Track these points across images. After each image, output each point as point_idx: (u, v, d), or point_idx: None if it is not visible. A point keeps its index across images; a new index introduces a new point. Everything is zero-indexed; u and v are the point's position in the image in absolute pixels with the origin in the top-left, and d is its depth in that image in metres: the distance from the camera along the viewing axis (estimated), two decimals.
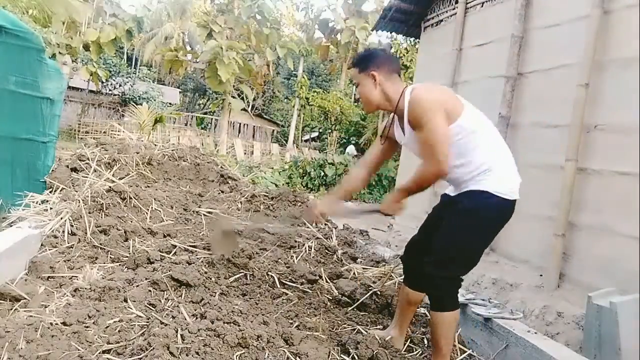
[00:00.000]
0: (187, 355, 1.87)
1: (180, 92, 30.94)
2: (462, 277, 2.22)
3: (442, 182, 2.29)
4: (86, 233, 3.19)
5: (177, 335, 1.97)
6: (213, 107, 25.21)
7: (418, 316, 2.89)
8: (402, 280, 2.54)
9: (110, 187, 3.76)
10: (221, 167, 5.23)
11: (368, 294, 2.83)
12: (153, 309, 2.31)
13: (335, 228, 4.61)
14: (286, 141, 26.50)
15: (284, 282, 2.91)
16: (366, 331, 2.42)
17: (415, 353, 2.42)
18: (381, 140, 2.42)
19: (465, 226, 2.12)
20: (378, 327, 2.58)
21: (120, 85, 24.07)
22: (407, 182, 2.21)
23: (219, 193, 4.62)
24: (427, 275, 2.18)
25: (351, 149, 19.29)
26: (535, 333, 2.53)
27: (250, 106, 27.91)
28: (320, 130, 26.30)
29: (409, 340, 2.51)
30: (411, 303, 2.42)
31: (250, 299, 2.65)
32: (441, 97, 2.09)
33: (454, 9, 5.87)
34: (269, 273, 2.95)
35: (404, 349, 2.40)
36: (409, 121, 2.11)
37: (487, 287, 4.09)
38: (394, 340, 2.37)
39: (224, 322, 2.10)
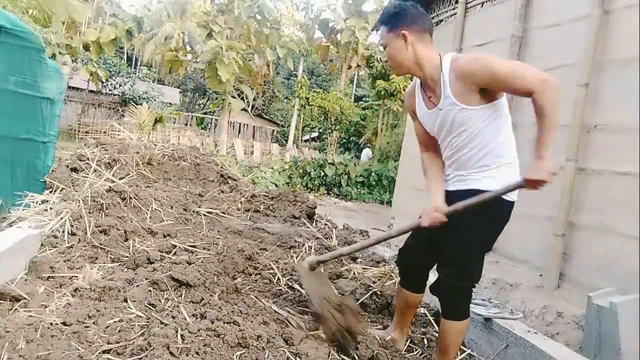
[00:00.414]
0: (187, 355, 1.87)
1: (180, 92, 30.95)
2: (477, 283, 2.19)
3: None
4: (86, 233, 3.19)
5: (177, 335, 1.97)
6: (213, 107, 25.21)
7: (418, 316, 2.89)
8: (398, 283, 2.51)
9: (110, 187, 3.76)
10: (221, 167, 5.23)
11: (368, 294, 2.84)
12: (153, 309, 2.31)
13: (336, 228, 4.62)
14: (286, 141, 26.50)
15: (284, 282, 2.91)
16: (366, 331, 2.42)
17: (415, 353, 2.42)
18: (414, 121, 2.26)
19: (479, 232, 2.06)
20: (378, 327, 2.59)
21: (120, 85, 24.08)
22: (540, 132, 1.89)
23: (219, 193, 4.62)
24: (447, 286, 2.11)
25: (367, 152, 19.22)
26: (535, 333, 2.53)
27: (250, 106, 27.91)
28: (320, 130, 26.31)
29: (409, 340, 2.51)
30: (411, 306, 2.40)
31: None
32: None
33: (454, 9, 5.86)
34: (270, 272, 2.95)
35: (404, 349, 2.40)
36: (471, 83, 1.91)
37: (487, 287, 4.08)
38: (394, 341, 2.37)
39: (224, 322, 2.10)
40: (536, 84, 1.84)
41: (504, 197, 2.02)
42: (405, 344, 2.45)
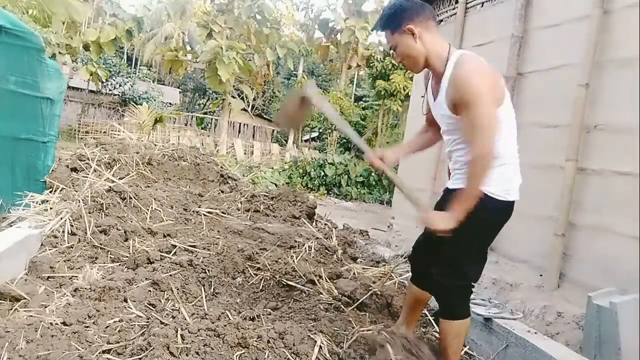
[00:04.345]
0: (187, 355, 1.87)
1: (180, 92, 30.94)
2: (475, 283, 2.15)
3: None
4: (86, 233, 3.19)
5: (177, 335, 1.97)
6: (213, 107, 25.22)
7: None
8: (409, 279, 2.51)
9: (110, 187, 3.76)
10: (221, 167, 5.23)
11: (368, 294, 2.83)
12: (153, 309, 2.31)
13: (336, 228, 4.62)
14: (286, 141, 26.49)
15: (284, 282, 2.92)
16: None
17: None
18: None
19: (469, 232, 2.02)
20: (378, 326, 2.58)
21: (120, 85, 24.08)
22: (463, 190, 1.96)
23: (219, 193, 4.62)
24: (440, 285, 2.10)
25: None
26: (535, 333, 2.53)
27: (250, 106, 27.92)
28: (320, 130, 26.30)
29: None
30: (419, 301, 2.38)
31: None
32: (492, 79, 1.92)
33: (454, 9, 5.86)
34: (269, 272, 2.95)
35: None
36: (452, 98, 1.93)
37: (487, 287, 4.08)
38: None
39: (224, 322, 2.10)
40: (477, 150, 1.87)
41: (495, 196, 1.99)
42: None
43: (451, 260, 2.07)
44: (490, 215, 2.05)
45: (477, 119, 1.85)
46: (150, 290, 2.51)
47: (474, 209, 1.98)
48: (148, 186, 4.24)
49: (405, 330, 2.38)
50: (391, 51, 2.10)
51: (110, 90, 24.17)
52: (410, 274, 3.12)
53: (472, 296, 2.99)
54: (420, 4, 2.03)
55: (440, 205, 2.26)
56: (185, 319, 2.14)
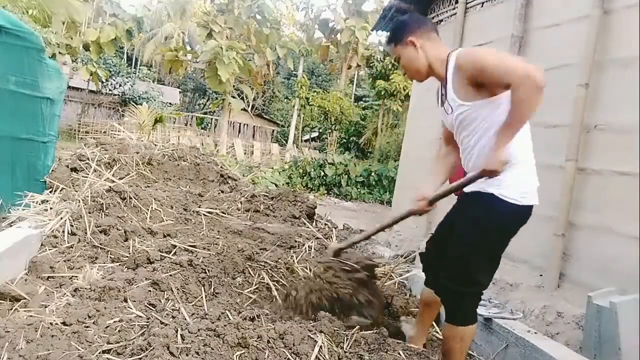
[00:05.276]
0: (187, 355, 1.87)
1: (180, 92, 30.95)
2: (483, 290, 2.07)
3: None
4: (86, 233, 3.19)
5: (177, 335, 1.97)
6: (213, 107, 25.23)
7: None
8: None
9: (110, 187, 3.76)
10: (221, 167, 5.23)
11: None
12: (153, 309, 2.31)
13: (336, 228, 4.62)
14: (286, 141, 26.51)
15: (284, 282, 2.92)
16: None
17: (414, 353, 2.42)
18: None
19: (478, 236, 1.97)
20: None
21: (120, 85, 24.09)
22: (503, 124, 1.82)
23: (219, 193, 4.62)
24: (445, 288, 2.06)
25: None
26: (535, 333, 2.53)
27: (250, 106, 27.94)
28: (320, 130, 26.31)
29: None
30: (428, 304, 2.35)
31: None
32: None
33: (454, 9, 5.86)
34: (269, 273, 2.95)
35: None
36: (463, 78, 1.90)
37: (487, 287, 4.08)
38: (412, 340, 2.36)
39: (224, 322, 2.10)
40: (515, 79, 1.72)
41: (514, 201, 1.92)
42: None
43: (456, 263, 2.01)
44: (505, 219, 1.98)
45: (497, 61, 1.77)
46: (150, 290, 2.51)
47: (485, 213, 1.95)
48: (148, 186, 4.24)
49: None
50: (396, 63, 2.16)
51: (110, 90, 24.18)
52: (409, 273, 3.13)
53: None
54: (421, 18, 2.18)
55: (452, 213, 2.23)
56: (185, 319, 2.14)
